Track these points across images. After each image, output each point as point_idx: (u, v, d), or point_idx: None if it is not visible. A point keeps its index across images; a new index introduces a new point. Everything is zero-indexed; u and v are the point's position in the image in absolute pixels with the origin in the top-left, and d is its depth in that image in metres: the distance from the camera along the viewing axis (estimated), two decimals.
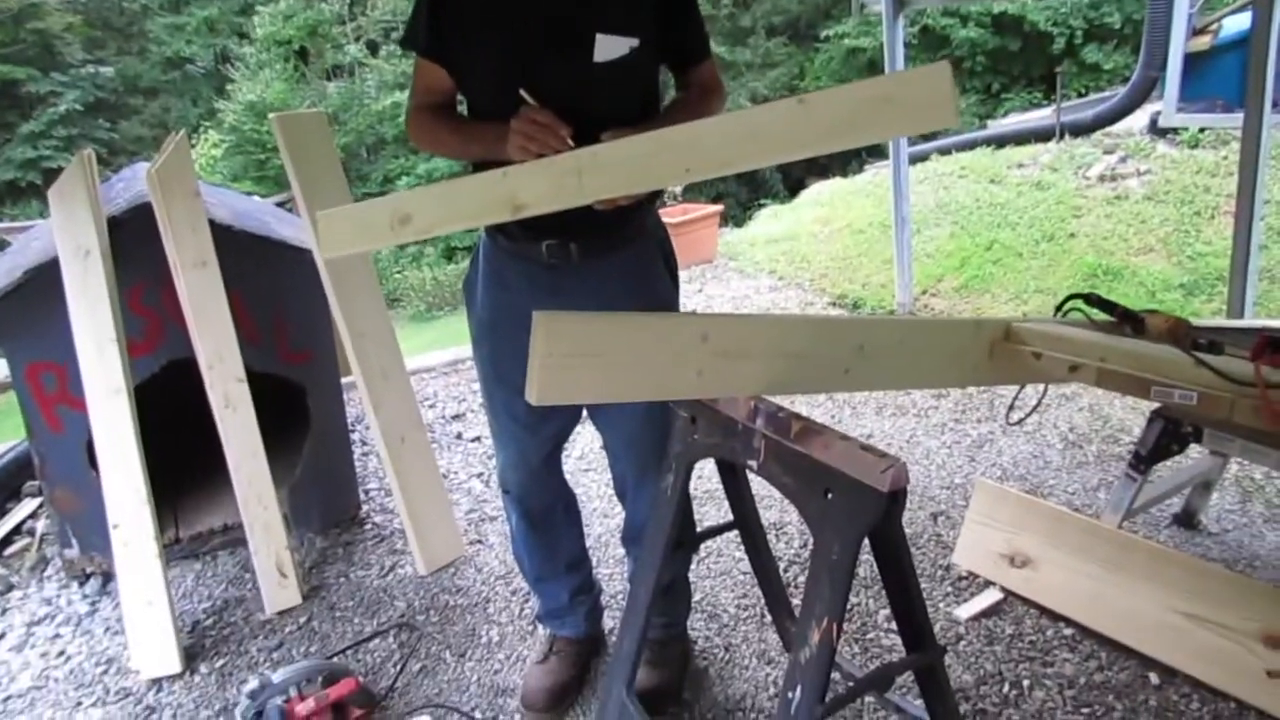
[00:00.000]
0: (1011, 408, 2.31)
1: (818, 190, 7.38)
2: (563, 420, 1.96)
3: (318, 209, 2.49)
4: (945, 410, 3.46)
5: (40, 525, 2.88)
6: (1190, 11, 5.26)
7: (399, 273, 12.98)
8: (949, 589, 2.40)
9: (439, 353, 4.77)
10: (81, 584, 2.62)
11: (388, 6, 17.36)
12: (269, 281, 2.64)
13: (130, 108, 19.32)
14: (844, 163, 10.09)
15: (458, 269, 12.06)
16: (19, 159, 17.49)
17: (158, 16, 19.42)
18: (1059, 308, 2.09)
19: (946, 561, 2.49)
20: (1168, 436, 2.09)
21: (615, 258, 1.78)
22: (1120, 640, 2.08)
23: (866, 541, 1.30)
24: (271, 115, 2.57)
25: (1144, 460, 2.12)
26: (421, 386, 4.20)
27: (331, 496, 2.89)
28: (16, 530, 2.91)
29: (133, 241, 2.43)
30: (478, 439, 3.55)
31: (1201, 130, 5.53)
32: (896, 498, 1.26)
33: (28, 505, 3.01)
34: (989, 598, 2.32)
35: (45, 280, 2.35)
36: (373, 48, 17.51)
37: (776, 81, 15.53)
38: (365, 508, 3.00)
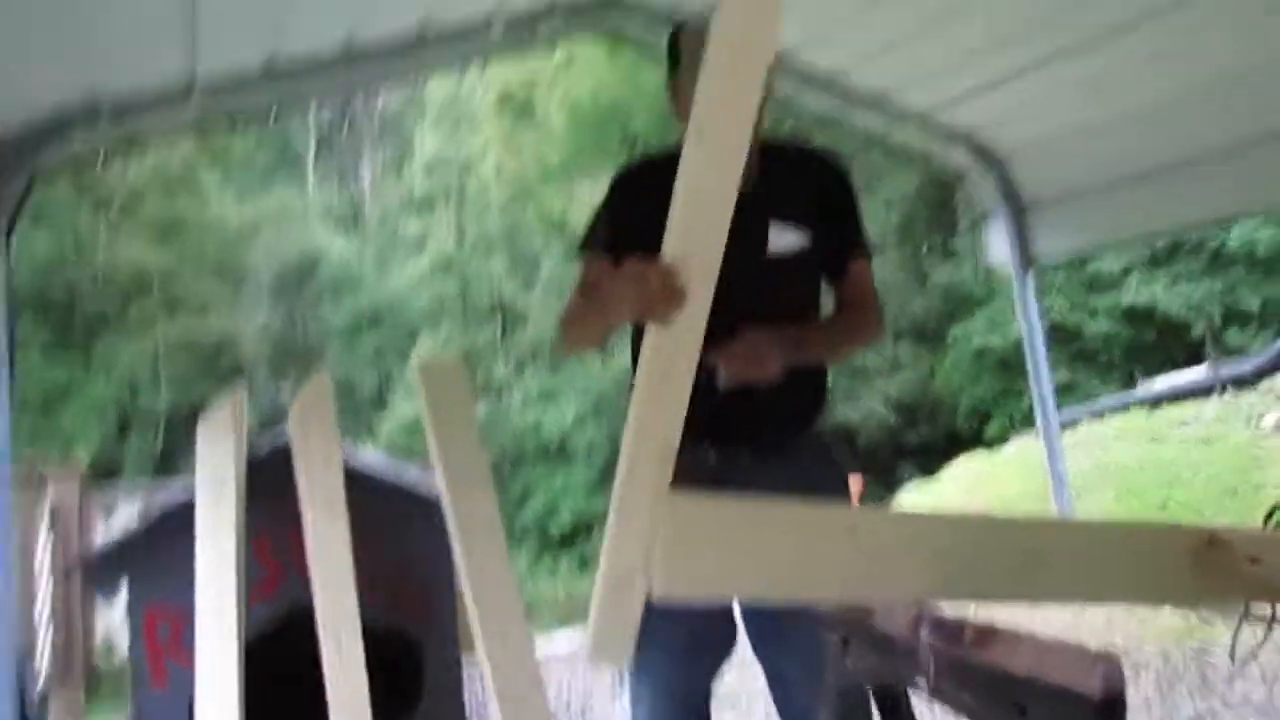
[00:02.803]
0: (1236, 638, 1.91)
1: (963, 467, 7.11)
2: (720, 650, 1.74)
3: (451, 458, 2.54)
4: (1147, 684, 2.96)
5: None
6: None
7: (533, 584, 12.98)
8: None
9: (565, 641, 4.53)
10: None
11: (535, 331, 18.89)
12: (396, 530, 2.60)
13: None
14: (980, 434, 9.78)
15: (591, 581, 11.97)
16: None
17: (335, 346, 21.64)
18: (1268, 517, 1.80)
19: None
20: None
21: (789, 468, 1.65)
22: None
23: None
24: (414, 362, 2.67)
25: None
26: (546, 674, 3.94)
27: None
28: None
29: (268, 486, 2.45)
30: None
31: None
32: (1113, 705, 0.99)
33: None
34: None
35: (180, 521, 2.37)
36: (519, 368, 18.81)
37: (906, 383, 15.66)
38: None
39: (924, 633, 1.23)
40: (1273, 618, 1.85)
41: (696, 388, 1.52)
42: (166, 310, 18.73)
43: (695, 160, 1.30)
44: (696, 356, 1.36)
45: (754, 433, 1.64)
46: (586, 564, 13.79)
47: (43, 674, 3.68)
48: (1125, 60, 3.25)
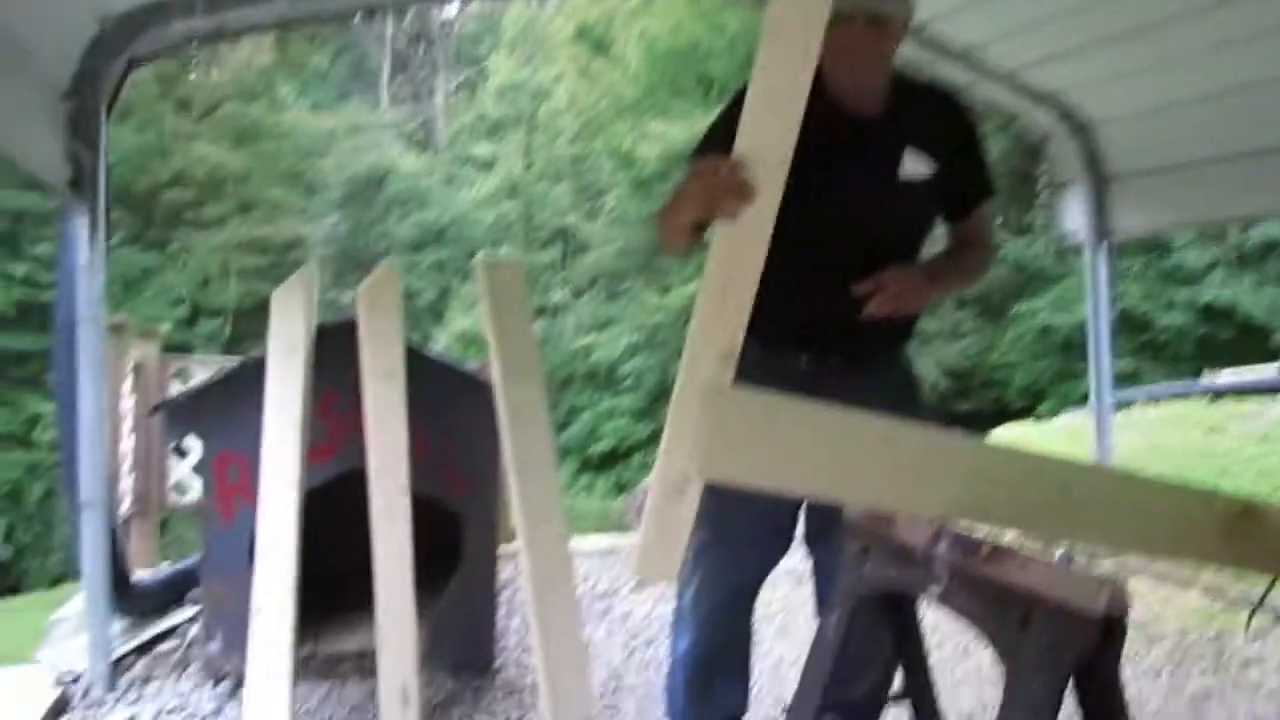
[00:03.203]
0: (1255, 612, 1.94)
1: (1007, 432, 7.04)
2: (778, 544, 1.84)
3: (506, 349, 2.65)
4: (1159, 656, 2.99)
5: (192, 631, 2.91)
6: None
7: (570, 499, 13.27)
8: None
9: (597, 538, 4.70)
10: (215, 685, 2.59)
11: (595, 259, 18.94)
12: (449, 408, 2.72)
13: None
14: (1031, 410, 9.63)
15: (625, 503, 12.23)
16: None
17: (399, 258, 21.91)
18: None
19: None
20: None
21: (874, 377, 1.72)
22: None
23: None
24: (477, 258, 2.76)
25: None
26: (577, 565, 4.08)
27: (468, 639, 2.78)
28: (169, 633, 2.95)
29: (335, 352, 2.58)
30: (626, 615, 3.37)
31: None
32: (1113, 627, 1.04)
33: (188, 611, 3.07)
34: None
35: (251, 375, 2.52)
36: (577, 293, 18.93)
37: (965, 352, 15.43)
38: (500, 660, 2.86)
39: (943, 546, 1.28)
40: None
41: (794, 294, 1.57)
42: (240, 210, 19.14)
43: (768, 58, 1.33)
44: (763, 255, 1.40)
45: (847, 346, 1.70)
46: (624, 487, 14.01)
47: (126, 505, 3.94)
48: (1219, 37, 3.17)
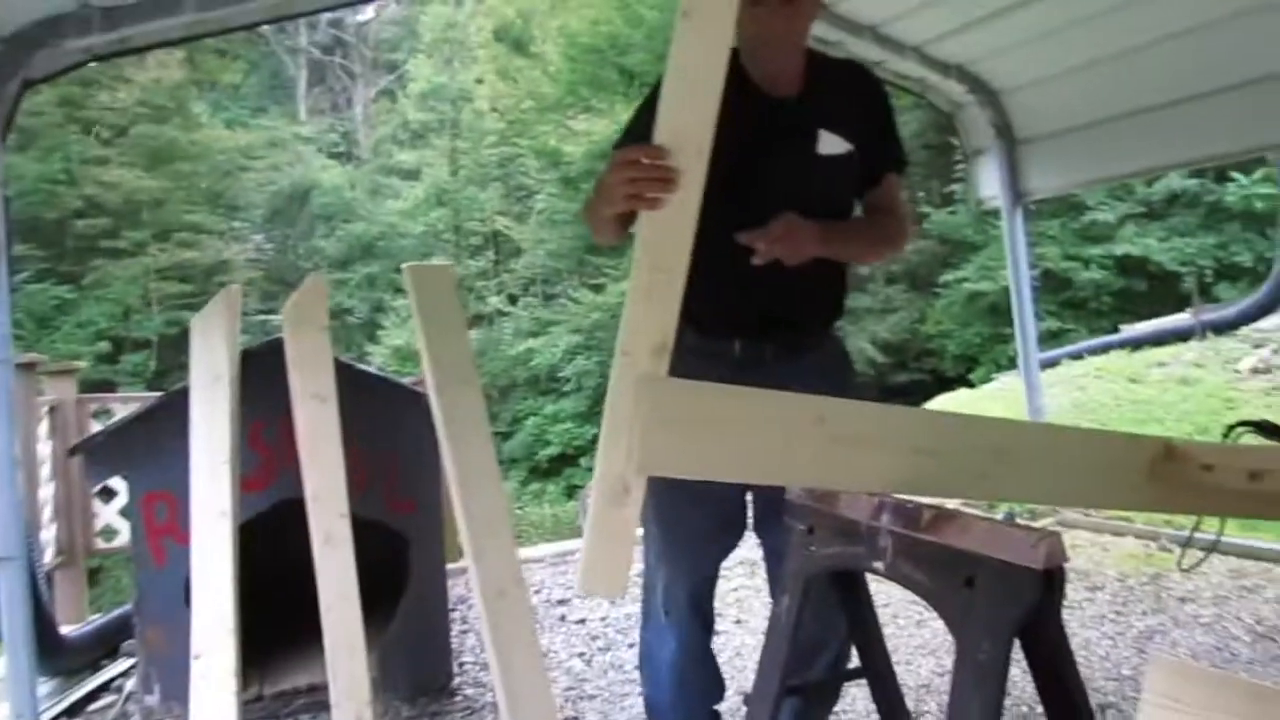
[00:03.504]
0: (1185, 548, 2.00)
1: (942, 401, 7.18)
2: (731, 534, 1.85)
3: (439, 356, 2.60)
4: (1102, 602, 3.07)
5: (129, 684, 2.80)
6: None
7: (520, 508, 13.17)
8: None
9: (548, 545, 4.67)
10: None
11: (528, 263, 18.79)
12: (384, 424, 2.65)
13: None
14: (966, 378, 9.87)
15: (577, 506, 12.21)
16: None
17: (327, 273, 21.52)
18: (1226, 435, 1.86)
19: None
20: None
21: (807, 358, 1.72)
22: None
23: None
24: (404, 266, 2.70)
25: None
26: (529, 575, 4.05)
27: (423, 662, 2.72)
28: (105, 687, 2.84)
29: (260, 377, 2.51)
30: (582, 621, 3.34)
31: None
32: (1053, 579, 1.06)
33: (122, 664, 2.95)
34: None
35: (174, 408, 2.43)
36: (512, 299, 18.77)
37: (897, 325, 15.70)
38: (458, 680, 2.81)
39: (885, 518, 1.28)
40: (1217, 540, 1.94)
41: (723, 281, 1.56)
42: (158, 236, 18.55)
43: (683, 43, 1.30)
44: (690, 244, 1.38)
45: (778, 329, 1.70)
46: (574, 492, 13.95)
47: (49, 555, 3.78)
48: (1114, 1, 3.25)
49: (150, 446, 2.48)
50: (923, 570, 1.22)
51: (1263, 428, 1.90)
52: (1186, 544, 1.94)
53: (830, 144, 1.66)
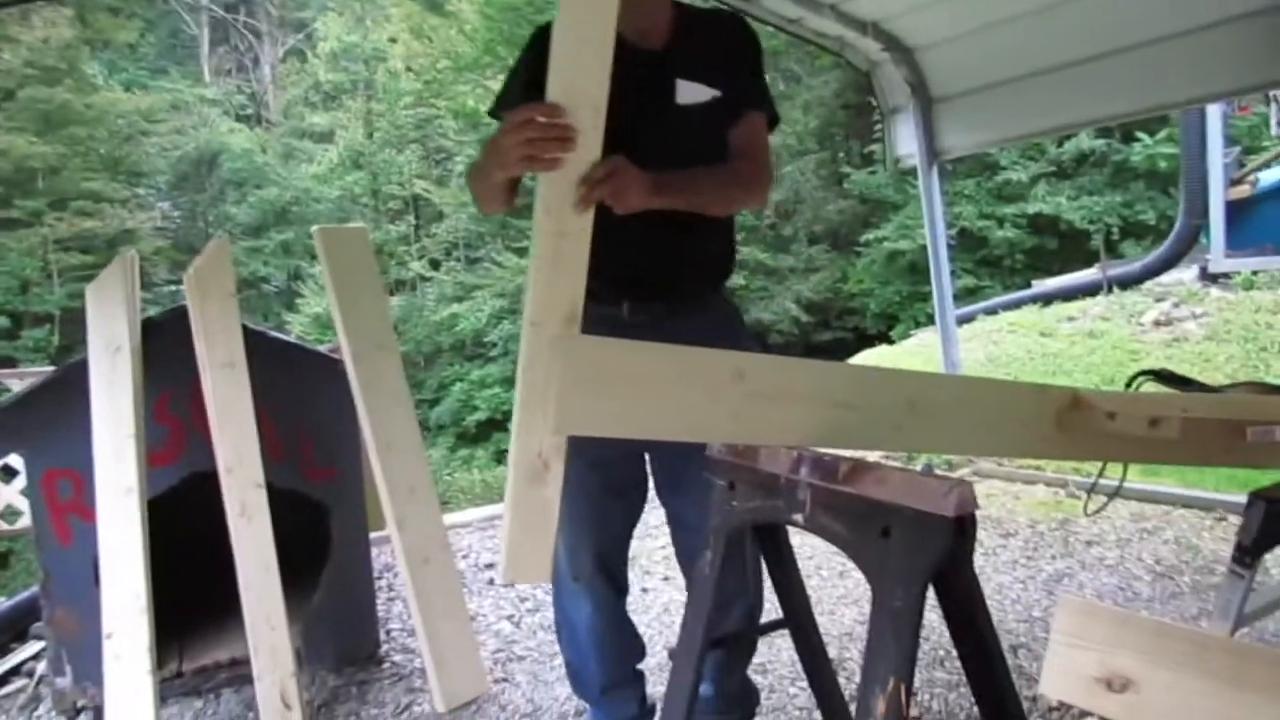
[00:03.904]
0: (1090, 494, 2.08)
1: (864, 357, 7.33)
2: (633, 497, 1.84)
3: (354, 322, 2.53)
4: (1015, 548, 3.19)
5: (40, 667, 2.69)
6: (1226, 161, 5.30)
7: (449, 474, 13.05)
8: None
9: (474, 510, 4.63)
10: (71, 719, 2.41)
11: (449, 227, 18.47)
12: (298, 392, 2.58)
13: None
14: (887, 335, 10.09)
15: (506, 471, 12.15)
16: None
17: (240, 241, 20.84)
18: (1128, 384, 1.93)
19: (1033, 693, 2.18)
20: (1273, 521, 1.83)
21: (696, 317, 1.70)
22: None
23: None
24: (314, 228, 2.61)
25: (1249, 552, 1.86)
26: (456, 540, 4.02)
27: (349, 631, 2.68)
28: (15, 671, 2.72)
29: (166, 347, 2.41)
30: (510, 584, 3.33)
31: (1254, 273, 5.43)
32: (965, 526, 1.08)
33: (32, 647, 2.84)
34: None
35: (72, 382, 2.32)
36: (434, 264, 18.44)
37: (820, 284, 15.91)
38: (385, 647, 2.77)
39: (803, 471, 1.29)
40: (1120, 485, 2.02)
41: (602, 243, 1.53)
42: (55, 205, 17.65)
43: None
44: (593, 208, 1.37)
45: (664, 289, 1.67)
46: (502, 457, 13.89)
47: None
48: None
49: (49, 422, 2.36)
50: (841, 521, 1.23)
51: (1161, 376, 1.99)
52: (1091, 490, 2.02)
53: (690, 93, 1.62)
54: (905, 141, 4.50)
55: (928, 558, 1.10)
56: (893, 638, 1.12)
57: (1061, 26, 3.63)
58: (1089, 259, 12.75)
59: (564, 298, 1.40)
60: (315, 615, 2.59)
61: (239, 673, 2.52)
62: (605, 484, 1.77)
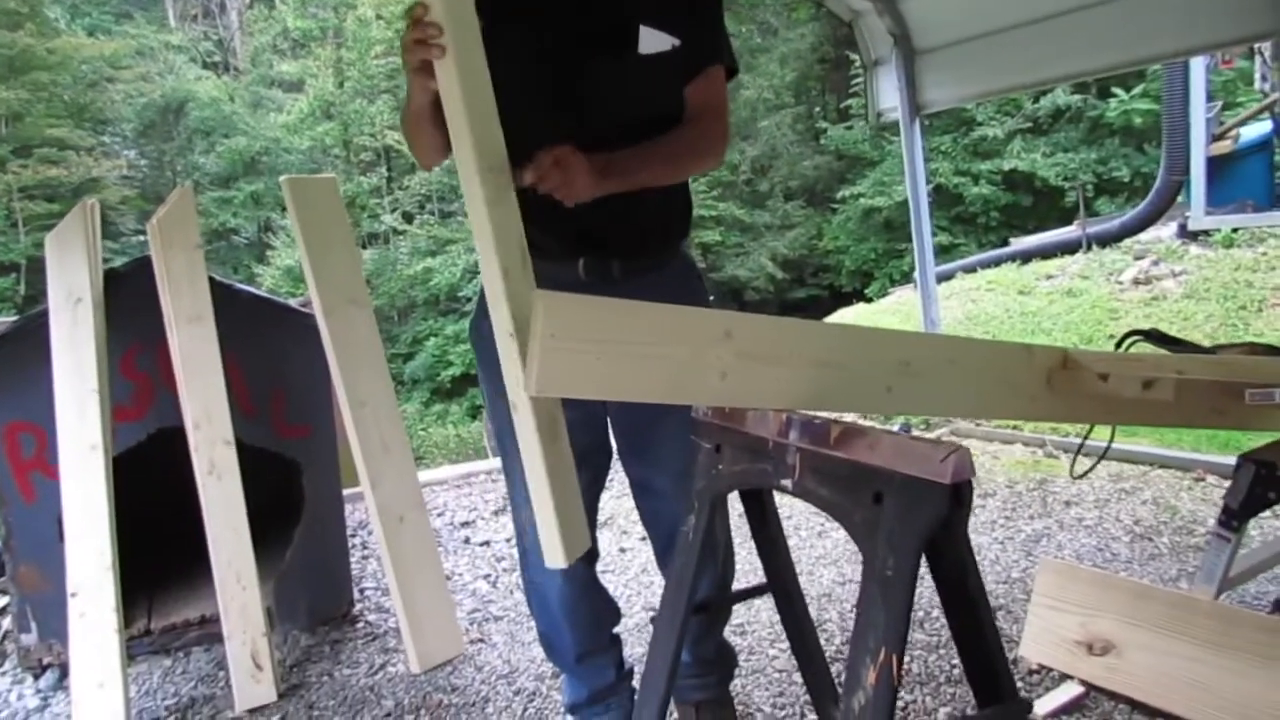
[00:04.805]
0: (1077, 456, 2.06)
1: (840, 315, 7.31)
2: (596, 461, 1.76)
3: (325, 275, 2.45)
4: (993, 509, 3.19)
5: (5, 622, 2.64)
6: (1208, 117, 5.27)
7: (423, 429, 12.97)
8: (1019, 686, 2.08)
9: (450, 467, 4.60)
10: (36, 677, 2.35)
11: (422, 179, 18.16)
12: (268, 347, 2.51)
13: None
14: (863, 292, 10.08)
15: (481, 426, 12.10)
16: None
17: (209, 191, 20.43)
18: (1119, 344, 1.90)
19: (1013, 655, 2.18)
20: (1262, 484, 1.82)
21: (656, 277, 1.63)
22: None
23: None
24: (282, 178, 2.52)
25: (1236, 515, 1.85)
26: (432, 498, 3.98)
27: (322, 590, 2.64)
28: None
29: (131, 300, 2.33)
30: (486, 543, 3.30)
31: (1234, 230, 5.43)
32: (960, 493, 1.04)
33: None
34: (1067, 692, 2.00)
35: (33, 333, 2.23)
36: (408, 217, 18.18)
37: (795, 241, 15.85)
38: (359, 606, 2.74)
39: (793, 435, 1.25)
40: (1108, 447, 2.00)
41: (556, 199, 1.46)
42: (19, 153, 17.19)
43: None
44: (490, 87, 1.27)
45: (622, 247, 1.60)
46: (477, 412, 13.83)
47: None
48: None
49: (9, 375, 2.27)
50: (831, 487, 1.19)
51: (1151, 336, 1.97)
52: (1078, 451, 2.00)
53: (653, 41, 1.52)
54: (887, 95, 4.43)
55: (922, 525, 1.07)
56: (884, 607, 1.09)
57: None
58: (1064, 216, 12.78)
59: (513, 239, 1.31)
60: (287, 574, 2.55)
61: (209, 631, 2.47)
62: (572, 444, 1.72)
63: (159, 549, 2.60)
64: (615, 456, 1.84)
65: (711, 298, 1.99)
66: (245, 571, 2.23)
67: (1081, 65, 3.89)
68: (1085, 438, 2.00)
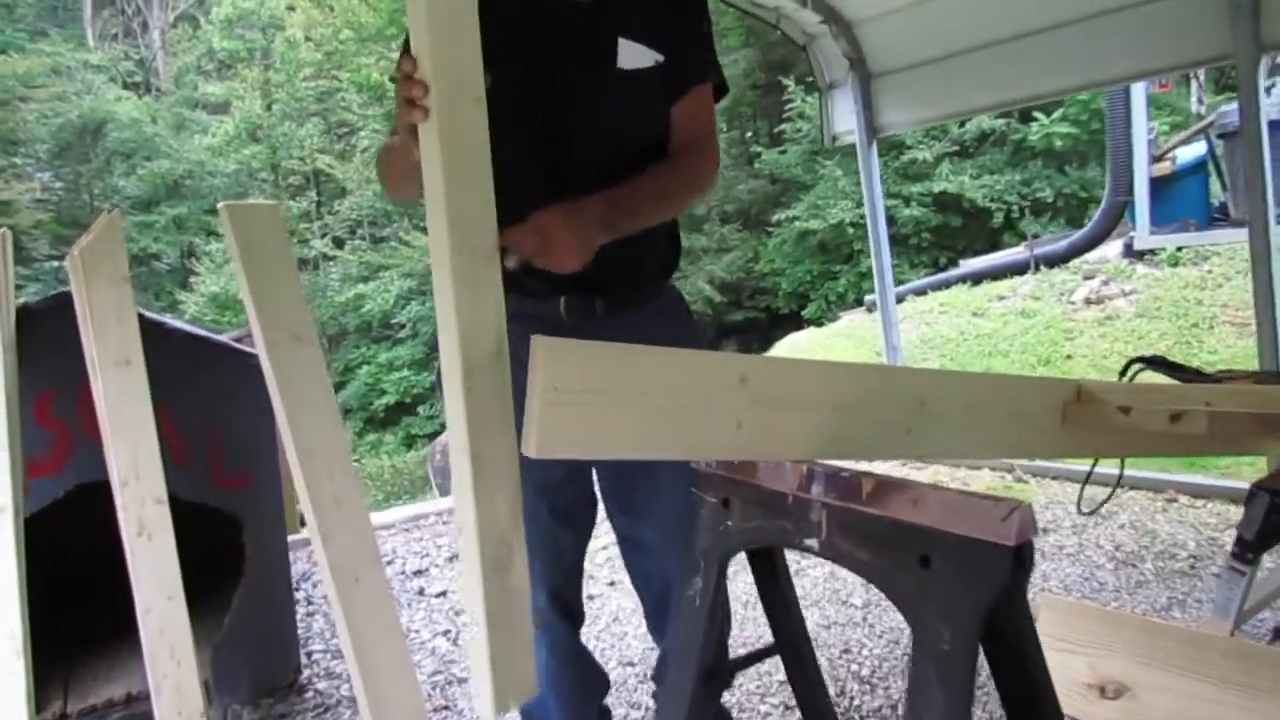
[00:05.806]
0: (1083, 490, 1.97)
1: (793, 340, 7.27)
2: (582, 514, 1.65)
3: (268, 309, 2.24)
4: None
5: None
6: (1149, 138, 5.37)
7: (356, 460, 12.61)
8: None
9: (398, 509, 4.38)
10: None
11: (353, 204, 17.81)
12: (203, 388, 2.29)
13: None
14: (798, 315, 10.08)
15: (417, 456, 11.80)
16: None
17: (129, 215, 19.66)
18: (1122, 374, 1.83)
19: None
20: (1278, 513, 1.74)
21: (642, 315, 1.50)
22: None
23: None
24: (221, 204, 2.31)
25: (1250, 546, 1.77)
26: (380, 544, 3.75)
27: (266, 657, 2.41)
28: None
29: (47, 340, 2.10)
30: (443, 594, 3.08)
31: (1179, 249, 5.53)
32: (1022, 555, 0.92)
33: None
34: None
35: None
36: (338, 243, 17.78)
37: (732, 264, 15.91)
38: (307, 673, 2.51)
39: (815, 489, 1.12)
40: (1119, 478, 1.91)
41: None
42: None
43: None
44: (486, 156, 1.10)
45: (605, 284, 1.46)
46: (413, 442, 13.51)
47: None
48: None
49: None
50: (867, 549, 1.06)
51: (1155, 363, 1.89)
52: (1085, 483, 1.90)
53: (634, 56, 1.41)
54: (843, 118, 4.39)
55: (981, 593, 0.94)
56: (940, 686, 0.95)
57: (1002, 1, 3.57)
58: (992, 236, 13.03)
59: (490, 327, 1.12)
60: (226, 641, 2.31)
61: (136, 711, 2.22)
62: (554, 509, 1.59)
63: (78, 618, 2.34)
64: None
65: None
66: (179, 644, 1.99)
67: (1038, 88, 3.90)
68: (1093, 466, 1.91)
